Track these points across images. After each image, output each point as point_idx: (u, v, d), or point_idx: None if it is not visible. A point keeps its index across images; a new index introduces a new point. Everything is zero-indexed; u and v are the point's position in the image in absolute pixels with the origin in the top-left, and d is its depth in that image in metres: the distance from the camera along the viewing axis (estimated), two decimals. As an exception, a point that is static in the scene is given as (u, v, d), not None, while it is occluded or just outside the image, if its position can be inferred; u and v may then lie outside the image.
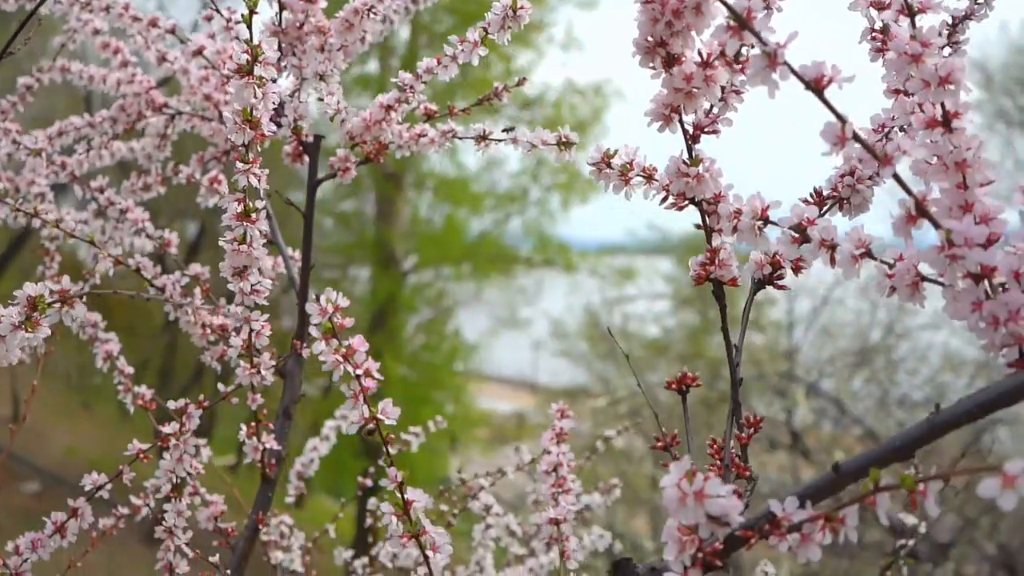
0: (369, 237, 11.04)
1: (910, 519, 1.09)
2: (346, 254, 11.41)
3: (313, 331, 0.61)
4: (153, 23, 1.10)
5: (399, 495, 0.65)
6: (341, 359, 0.62)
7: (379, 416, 0.63)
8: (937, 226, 0.51)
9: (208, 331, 1.02)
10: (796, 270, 0.67)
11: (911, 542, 1.06)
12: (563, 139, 0.84)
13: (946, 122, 0.54)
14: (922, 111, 0.56)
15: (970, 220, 0.52)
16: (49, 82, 1.32)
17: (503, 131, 0.95)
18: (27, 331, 0.68)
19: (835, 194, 0.69)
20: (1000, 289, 0.52)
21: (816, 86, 0.51)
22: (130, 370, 1.10)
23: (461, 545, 1.46)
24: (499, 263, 11.86)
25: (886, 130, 0.70)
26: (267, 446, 0.97)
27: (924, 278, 0.55)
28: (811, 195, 0.69)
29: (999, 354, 0.52)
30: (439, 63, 0.91)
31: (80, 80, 1.26)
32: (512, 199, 11.92)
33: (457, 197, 11.84)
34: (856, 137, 0.51)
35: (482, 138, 0.95)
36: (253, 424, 0.96)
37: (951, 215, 0.54)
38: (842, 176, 0.69)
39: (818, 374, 6.13)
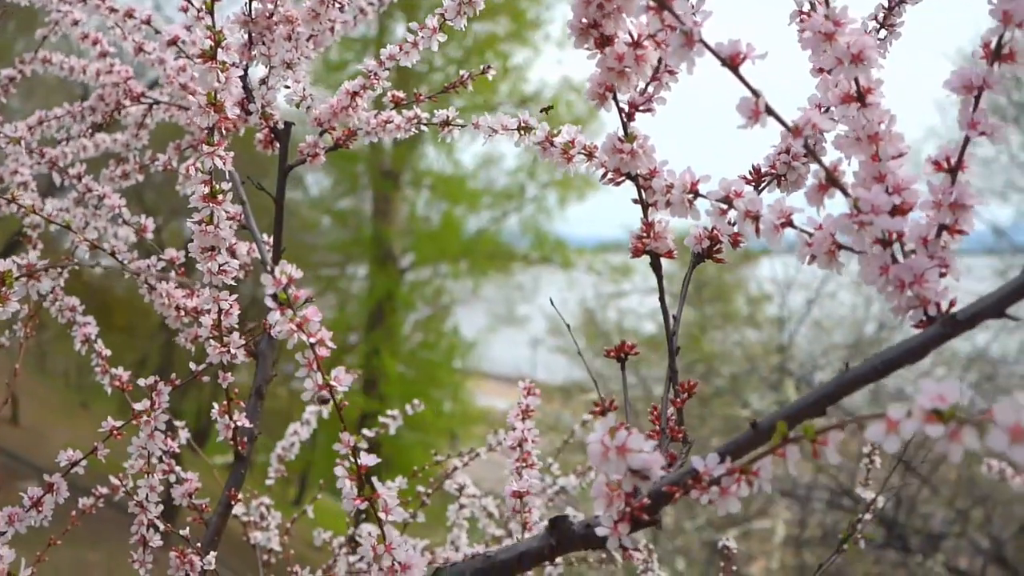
0: (366, 235, 11.07)
1: (868, 493, 1.12)
2: (344, 252, 11.45)
3: (268, 301, 0.64)
4: (129, 14, 1.13)
5: (352, 459, 0.68)
6: (295, 328, 0.65)
7: (332, 383, 0.66)
8: (846, 194, 0.54)
9: (182, 313, 1.05)
10: (735, 244, 0.70)
11: (867, 516, 1.09)
12: (523, 124, 0.87)
13: (860, 97, 0.57)
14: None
15: (879, 189, 0.54)
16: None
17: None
18: (-2, 305, 0.71)
19: (772, 171, 0.72)
20: (909, 254, 0.55)
21: (732, 63, 0.54)
22: (107, 352, 1.13)
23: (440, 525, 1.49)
24: (496, 260, 11.89)
25: (822, 109, 0.73)
26: (239, 424, 1.00)
27: (841, 246, 0.58)
28: (749, 172, 0.72)
29: (906, 316, 0.55)
30: (402, 49, 0.95)
31: (61, 71, 1.29)
32: (509, 196, 11.95)
33: (454, 195, 11.87)
34: (769, 110, 0.54)
35: (445, 124, 0.98)
36: (225, 403, 0.99)
37: (865, 185, 0.57)
38: (779, 154, 0.72)
39: (812, 368, 6.16)
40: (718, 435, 6.87)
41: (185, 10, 1.13)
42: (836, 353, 6.61)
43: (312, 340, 0.65)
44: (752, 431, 0.55)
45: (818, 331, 7.18)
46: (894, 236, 0.54)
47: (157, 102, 1.22)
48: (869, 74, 0.56)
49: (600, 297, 9.88)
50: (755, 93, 0.54)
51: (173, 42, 1.11)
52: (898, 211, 0.55)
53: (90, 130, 1.22)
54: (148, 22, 1.14)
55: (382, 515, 0.67)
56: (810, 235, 0.59)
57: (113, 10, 1.13)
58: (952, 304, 0.53)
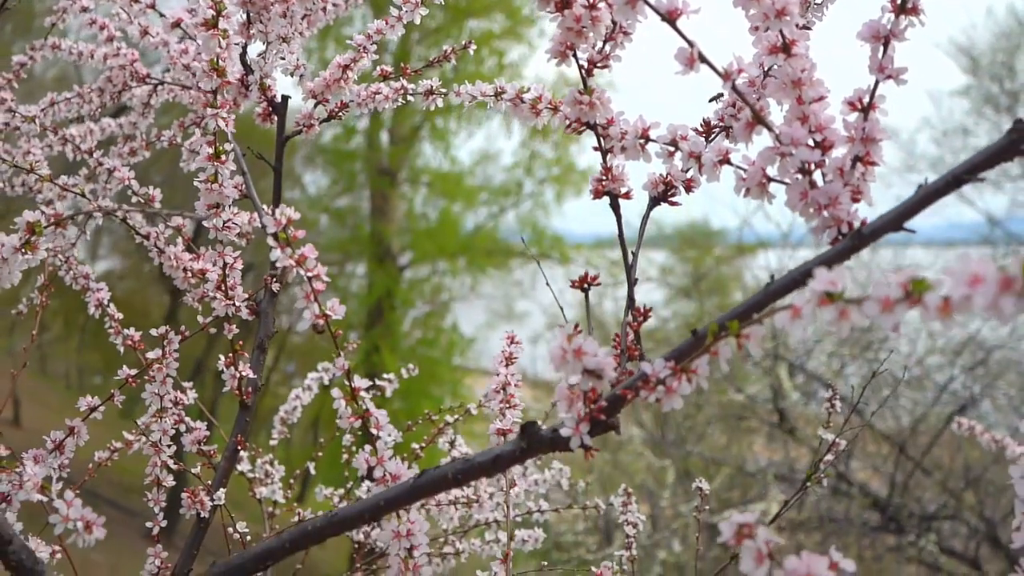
0: (365, 233, 11.14)
1: (827, 435, 1.20)
2: (342, 250, 11.52)
3: (270, 240, 0.72)
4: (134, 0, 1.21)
5: (347, 383, 0.76)
6: (295, 264, 0.73)
7: (328, 312, 0.75)
8: (770, 130, 0.63)
9: (189, 275, 1.13)
10: (688, 189, 0.78)
11: (830, 457, 1.17)
12: (499, 90, 0.95)
13: (785, 48, 0.65)
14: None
15: (798, 125, 0.63)
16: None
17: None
18: (26, 253, 0.79)
19: (721, 123, 0.80)
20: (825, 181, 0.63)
21: (670, 17, 0.62)
22: (120, 316, 1.21)
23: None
24: (494, 257, 11.96)
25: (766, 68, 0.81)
26: (244, 375, 1.08)
27: (770, 179, 0.66)
28: (700, 124, 0.80)
29: (823, 234, 0.63)
30: (387, 23, 1.03)
31: (70, 56, 1.37)
32: (506, 193, 12.03)
33: (451, 192, 11.94)
34: (702, 58, 0.62)
35: (430, 92, 1.06)
36: (231, 355, 1.07)
37: (791, 125, 0.65)
38: (726, 107, 0.80)
39: (804, 353, 6.25)
40: (714, 420, 6.96)
41: (187, -5, 1.21)
42: (829, 339, 6.69)
43: (310, 274, 0.74)
44: (693, 338, 0.63)
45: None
46: (812, 166, 0.62)
47: (162, 82, 1.30)
48: (791, 28, 0.64)
49: (596, 293, 9.96)
50: (690, 43, 0.62)
51: (176, 24, 1.20)
52: (821, 147, 0.64)
53: (99, 110, 1.30)
54: (153, 6, 1.22)
55: (374, 431, 0.76)
56: (744, 170, 0.67)
57: (121, -5, 1.21)
58: (863, 224, 0.62)
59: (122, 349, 1.19)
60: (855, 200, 0.63)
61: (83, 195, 1.10)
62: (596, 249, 11.05)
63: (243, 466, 1.40)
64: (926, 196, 0.57)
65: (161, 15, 1.22)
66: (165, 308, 10.12)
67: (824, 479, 1.15)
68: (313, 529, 0.70)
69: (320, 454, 1.58)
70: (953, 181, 0.57)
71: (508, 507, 1.00)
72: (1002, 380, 6.93)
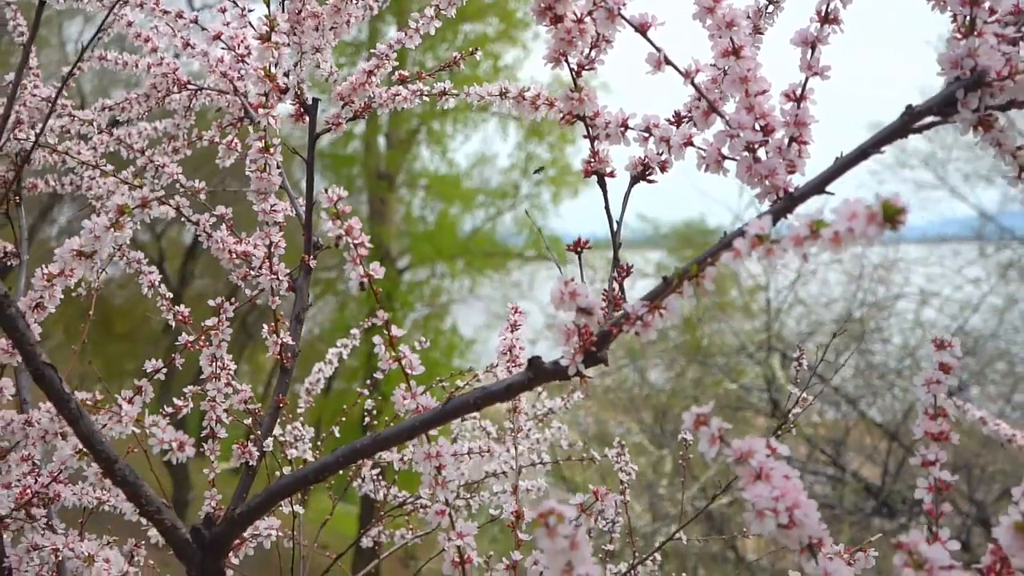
0: (363, 236, 11.29)
1: (795, 391, 1.36)
2: (341, 254, 11.66)
3: (323, 214, 0.88)
4: (179, 15, 1.38)
5: (387, 332, 0.92)
6: (344, 233, 0.89)
7: (371, 272, 0.91)
8: (722, 117, 0.79)
9: (233, 256, 1.29)
10: (662, 169, 0.95)
11: (797, 410, 1.33)
12: (503, 89, 1.11)
13: (735, 52, 0.82)
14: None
15: (745, 113, 0.79)
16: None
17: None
18: (116, 231, 0.95)
19: (689, 114, 0.96)
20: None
21: (642, 29, 0.78)
22: (170, 295, 1.38)
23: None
24: (493, 259, 12.12)
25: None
26: (284, 341, 1.25)
27: (724, 156, 0.82)
28: (672, 115, 0.97)
29: (766, 198, 0.79)
30: (407, 34, 1.19)
31: (116, 66, 1.53)
32: (503, 195, 12.20)
33: (449, 194, 12.10)
34: (667, 60, 0.78)
35: (443, 93, 1.22)
36: (273, 323, 1.24)
37: (739, 113, 0.81)
38: (693, 100, 0.96)
39: (796, 346, 6.42)
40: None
41: (224, 11, 1.38)
42: (824, 328, 6.88)
43: (355, 241, 0.90)
44: (663, 283, 0.79)
45: (806, 311, 7.45)
46: (756, 145, 0.79)
47: (200, 88, 1.47)
48: (740, 36, 0.81)
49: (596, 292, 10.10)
50: (658, 49, 0.78)
51: (217, 37, 1.36)
52: (764, 130, 0.80)
53: (145, 114, 1.46)
54: (195, 21, 1.39)
55: (408, 371, 0.92)
56: (704, 150, 0.83)
57: (166, 12, 1.37)
58: (796, 189, 0.78)
59: (173, 324, 1.36)
60: (790, 172, 0.79)
61: (140, 187, 1.27)
62: (594, 250, 11.20)
63: (275, 431, 1.56)
64: (841, 165, 0.74)
65: (203, 28, 1.38)
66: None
67: (793, 429, 1.32)
68: (361, 447, 0.86)
69: (344, 419, 1.74)
70: (861, 153, 0.73)
71: (515, 437, 1.16)
72: (990, 368, 7.12)
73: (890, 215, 0.55)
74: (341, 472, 1.89)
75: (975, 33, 0.71)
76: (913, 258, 8.47)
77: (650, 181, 0.96)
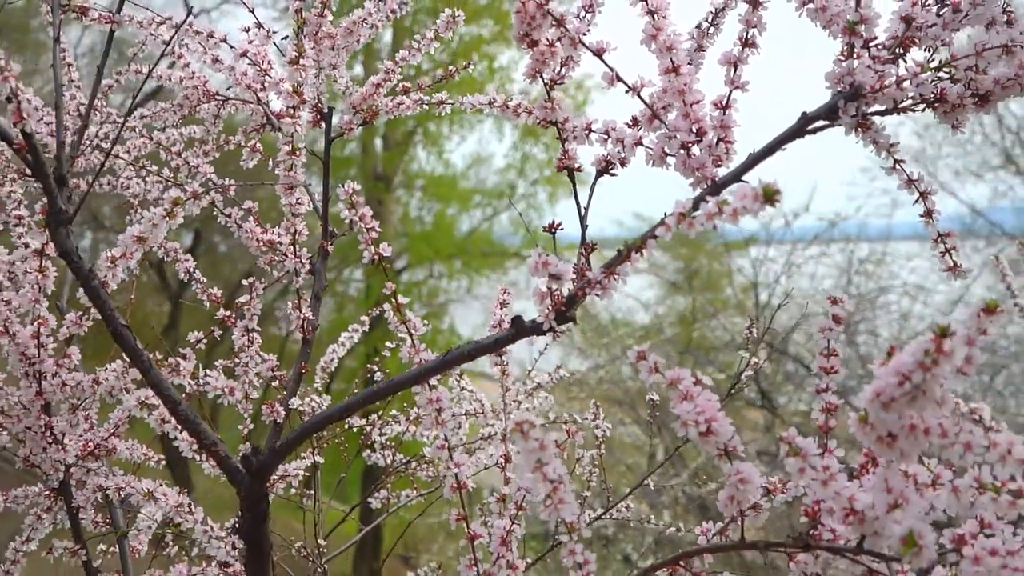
0: (362, 238, 11.48)
1: (744, 354, 1.56)
2: (339, 255, 11.87)
3: (340, 204, 1.09)
4: (210, 35, 1.58)
5: (394, 300, 1.13)
6: (358, 219, 1.10)
7: (380, 252, 1.11)
8: (661, 121, 1.00)
9: (260, 243, 1.50)
10: (622, 164, 1.15)
11: (748, 373, 1.53)
12: (492, 100, 1.32)
13: (675, 69, 1.02)
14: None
15: (682, 119, 1.00)
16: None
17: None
18: (170, 219, 1.15)
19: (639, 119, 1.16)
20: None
21: (598, 53, 0.99)
22: (204, 280, 1.58)
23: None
24: (490, 259, 12.31)
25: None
26: (306, 316, 1.45)
27: (666, 153, 1.03)
28: (631, 119, 1.17)
29: (698, 187, 1.00)
30: (410, 52, 1.40)
31: (156, 80, 1.73)
32: (500, 195, 12.39)
33: (445, 195, 12.29)
34: (618, 77, 0.99)
35: (441, 102, 1.43)
36: (296, 300, 1.44)
37: (677, 119, 1.02)
38: (643, 109, 1.16)
39: (783, 339, 6.63)
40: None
41: (247, 30, 1.58)
42: (812, 319, 7.09)
43: (368, 226, 1.10)
44: (618, 254, 1.00)
45: (795, 304, 7.66)
46: (691, 144, 0.99)
47: (228, 99, 1.67)
48: (679, 56, 1.01)
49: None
50: (611, 69, 0.99)
51: (244, 54, 1.56)
52: (697, 132, 1.01)
53: (180, 120, 1.67)
54: (225, 40, 1.59)
55: (413, 332, 1.12)
56: (651, 149, 1.04)
57: (198, 32, 1.58)
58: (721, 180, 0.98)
59: (208, 305, 1.56)
60: (717, 165, 0.99)
61: (180, 186, 1.47)
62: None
63: (294, 402, 1.76)
64: (751, 161, 0.94)
65: (231, 47, 1.59)
66: (166, 316, 10.48)
67: (745, 389, 1.51)
68: (379, 389, 1.07)
69: (357, 390, 1.94)
70: (768, 150, 0.94)
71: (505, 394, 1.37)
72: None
73: (769, 196, 0.76)
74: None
75: (854, 56, 0.92)
76: (903, 253, 8.69)
77: (612, 175, 1.16)
